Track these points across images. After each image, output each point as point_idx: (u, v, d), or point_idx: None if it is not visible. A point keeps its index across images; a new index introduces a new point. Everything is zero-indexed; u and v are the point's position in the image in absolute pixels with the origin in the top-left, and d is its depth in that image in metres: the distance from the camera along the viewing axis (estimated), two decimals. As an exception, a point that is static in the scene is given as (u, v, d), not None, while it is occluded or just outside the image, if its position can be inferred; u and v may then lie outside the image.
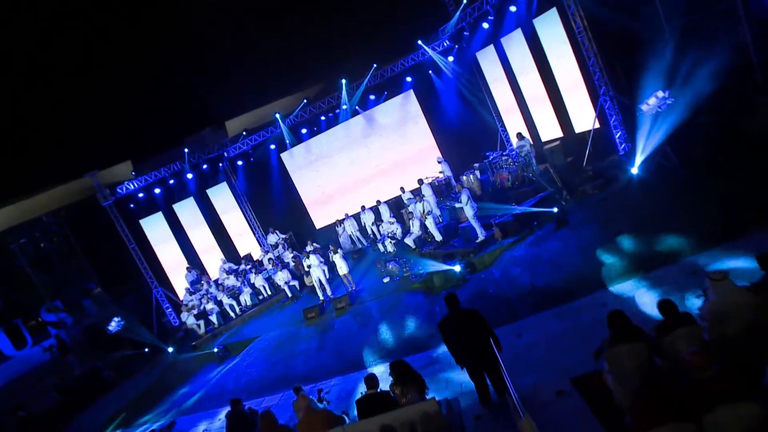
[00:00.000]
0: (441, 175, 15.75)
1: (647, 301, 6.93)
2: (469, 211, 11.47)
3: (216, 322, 15.02)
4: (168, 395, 11.90)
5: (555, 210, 10.86)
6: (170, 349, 14.90)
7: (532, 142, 13.67)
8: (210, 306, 15.26)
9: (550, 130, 14.81)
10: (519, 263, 10.16)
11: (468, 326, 5.37)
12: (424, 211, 12.76)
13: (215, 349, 13.34)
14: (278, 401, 9.29)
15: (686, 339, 4.19)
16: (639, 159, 10.65)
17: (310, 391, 8.56)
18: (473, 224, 11.61)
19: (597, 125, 13.09)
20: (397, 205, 16.67)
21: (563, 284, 8.58)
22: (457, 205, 11.87)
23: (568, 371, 5.98)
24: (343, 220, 16.79)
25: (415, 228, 13.50)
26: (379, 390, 5.40)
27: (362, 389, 7.61)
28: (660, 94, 10.38)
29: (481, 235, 11.55)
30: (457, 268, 10.85)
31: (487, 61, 15.83)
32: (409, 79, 16.84)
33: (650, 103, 10.86)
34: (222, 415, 9.69)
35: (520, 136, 13.60)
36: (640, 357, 4.36)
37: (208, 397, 11.03)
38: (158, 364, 14.41)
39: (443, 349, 8.30)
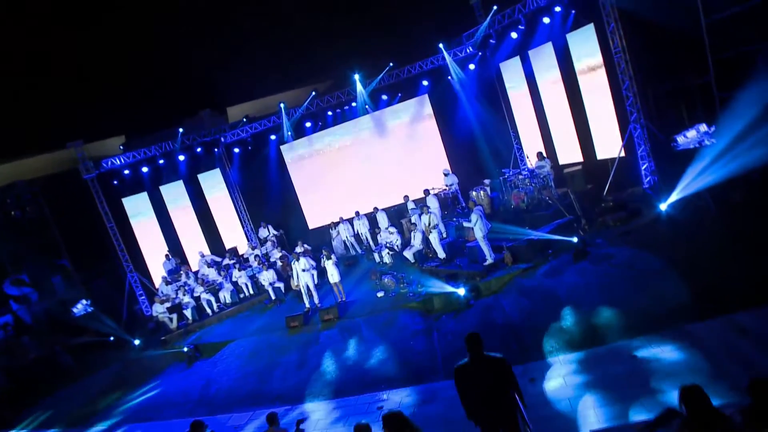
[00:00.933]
0: (448, 188, 14.81)
1: (690, 359, 5.97)
2: (479, 232, 10.49)
3: (190, 318, 13.86)
4: (124, 396, 10.69)
5: (575, 240, 9.92)
6: (136, 342, 13.69)
7: (552, 164, 12.76)
8: (186, 299, 14.09)
9: (569, 153, 13.96)
10: (531, 294, 9.20)
11: (490, 376, 4.36)
12: (429, 225, 11.77)
13: (185, 348, 12.17)
14: (247, 421, 8.17)
15: (788, 436, 3.22)
16: (675, 196, 9.73)
17: (285, 417, 7.51)
18: (482, 245, 10.64)
19: (622, 154, 12.26)
20: (397, 214, 15.72)
21: (584, 325, 7.61)
22: (466, 224, 10.89)
23: (598, 438, 5.00)
24: (338, 223, 15.78)
25: (416, 241, 12.51)
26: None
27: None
28: (702, 128, 9.54)
29: (489, 258, 10.57)
30: (462, 291, 9.85)
31: (511, 72, 14.98)
32: (425, 82, 15.93)
33: (688, 136, 10.03)
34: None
35: (540, 155, 12.71)
36: (718, 449, 3.38)
37: (170, 403, 9.87)
38: (121, 358, 13.19)
39: (443, 385, 7.32)
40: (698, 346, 6.22)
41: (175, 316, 13.82)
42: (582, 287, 8.61)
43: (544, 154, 12.92)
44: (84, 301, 15.71)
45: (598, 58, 12.17)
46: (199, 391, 10.05)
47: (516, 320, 8.58)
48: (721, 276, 7.43)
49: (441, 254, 11.82)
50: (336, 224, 15.87)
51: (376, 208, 15.04)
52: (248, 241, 17.81)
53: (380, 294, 11.53)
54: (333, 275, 11.80)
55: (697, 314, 6.81)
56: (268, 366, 9.98)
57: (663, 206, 10.05)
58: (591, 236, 10.52)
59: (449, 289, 10.20)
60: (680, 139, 10.26)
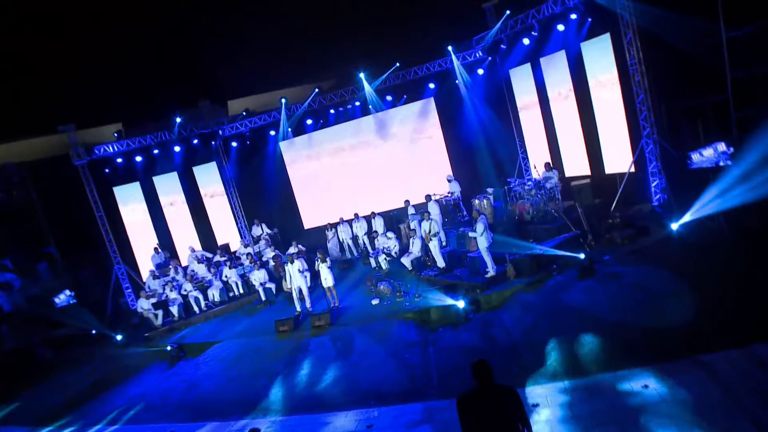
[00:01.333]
0: (450, 195, 14.39)
1: (708, 393, 5.55)
2: (482, 243, 10.06)
3: (176, 315, 13.34)
4: (99, 396, 10.13)
5: (582, 256, 9.51)
6: (118, 337, 13.15)
7: (560, 175, 12.37)
8: (173, 295, 13.57)
9: (576, 166, 13.58)
10: (534, 311, 8.77)
11: (498, 410, 3.91)
12: (429, 232, 11.33)
13: (168, 347, 11.64)
14: (228, 432, 7.69)
15: None
16: (688, 217, 9.33)
17: (268, 430, 7.04)
18: (484, 257, 10.20)
19: (633, 169, 11.88)
20: (396, 219, 15.29)
21: (590, 349, 7.18)
22: (471, 234, 10.45)
23: (609, 479, 4.55)
24: (337, 224, 15.31)
25: (415, 248, 12.09)
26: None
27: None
28: (721, 147, 9.15)
29: (491, 270, 10.15)
30: (461, 303, 9.40)
31: (521, 79, 14.59)
32: (432, 85, 15.55)
33: (705, 155, 9.65)
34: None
35: (548, 166, 12.31)
36: None
37: (148, 406, 9.35)
38: (101, 354, 12.63)
39: (440, 405, 6.87)
40: (715, 379, 5.79)
41: (160, 313, 13.30)
42: (589, 306, 8.19)
43: (552, 165, 12.51)
44: (67, 292, 15.22)
45: (612, 69, 11.80)
46: (180, 395, 9.52)
47: (518, 338, 8.15)
48: (736, 304, 7.04)
49: (440, 263, 11.39)
50: (334, 225, 15.41)
51: (373, 213, 14.56)
52: (241, 238, 17.32)
53: (375, 301, 11.07)
54: (327, 279, 11.33)
55: (712, 344, 6.38)
56: (253, 372, 9.48)
57: (674, 226, 9.65)
58: (598, 253, 10.12)
59: (448, 300, 9.76)
60: (695, 156, 9.89)
